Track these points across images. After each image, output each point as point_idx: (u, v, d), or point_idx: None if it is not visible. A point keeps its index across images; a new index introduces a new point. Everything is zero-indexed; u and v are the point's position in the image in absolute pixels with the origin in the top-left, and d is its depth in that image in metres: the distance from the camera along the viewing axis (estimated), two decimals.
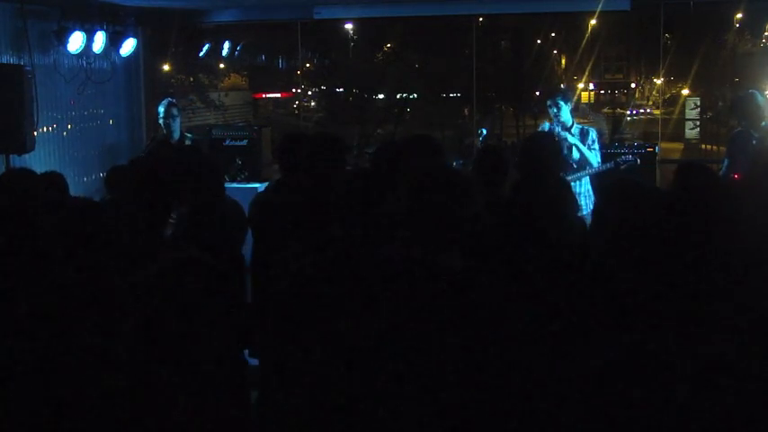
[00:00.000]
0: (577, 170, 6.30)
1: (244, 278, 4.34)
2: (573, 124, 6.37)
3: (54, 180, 4.33)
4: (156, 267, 2.39)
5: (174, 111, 7.02)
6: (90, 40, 7.49)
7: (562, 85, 25.46)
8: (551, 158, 4.32)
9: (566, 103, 6.39)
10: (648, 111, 33.64)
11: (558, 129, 6.36)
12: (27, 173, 4.13)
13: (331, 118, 25.38)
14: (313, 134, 4.69)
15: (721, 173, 6.14)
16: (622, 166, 6.43)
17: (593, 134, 6.38)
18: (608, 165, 6.39)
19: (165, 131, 6.95)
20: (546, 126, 6.52)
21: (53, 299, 2.48)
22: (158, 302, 2.33)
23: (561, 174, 5.05)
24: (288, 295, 2.53)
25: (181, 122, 7.12)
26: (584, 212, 5.62)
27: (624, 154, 6.70)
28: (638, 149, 7.00)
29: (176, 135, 6.95)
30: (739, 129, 6.24)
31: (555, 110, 6.34)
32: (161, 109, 7.01)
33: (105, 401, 2.25)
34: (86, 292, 2.52)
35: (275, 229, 3.98)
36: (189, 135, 7.08)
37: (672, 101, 28.68)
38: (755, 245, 2.75)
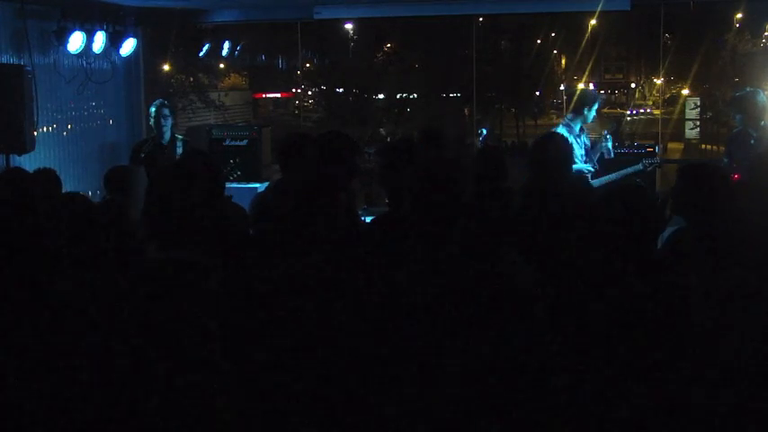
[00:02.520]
0: (605, 173, 6.28)
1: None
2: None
3: (47, 177, 4.32)
4: (143, 268, 2.40)
5: (166, 111, 6.95)
6: (90, 40, 7.48)
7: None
8: (564, 159, 4.28)
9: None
10: (648, 111, 33.67)
11: (575, 132, 6.27)
12: (21, 173, 4.12)
13: (331, 118, 25.39)
14: (322, 133, 4.67)
15: None
16: (648, 168, 6.49)
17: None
18: (637, 167, 6.42)
19: (155, 132, 6.91)
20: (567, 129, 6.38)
21: (52, 298, 2.48)
22: (145, 303, 2.33)
23: (574, 174, 5.03)
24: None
25: (173, 124, 7.07)
26: None
27: (631, 155, 6.71)
28: (637, 150, 7.01)
29: (167, 136, 6.89)
30: (739, 128, 6.20)
31: (594, 114, 6.30)
32: (152, 110, 6.99)
33: (97, 401, 2.25)
34: (84, 291, 2.52)
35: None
36: (179, 137, 7.04)
37: (672, 101, 28.70)
38: (758, 244, 2.75)
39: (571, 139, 6.12)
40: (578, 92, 6.77)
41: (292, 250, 2.59)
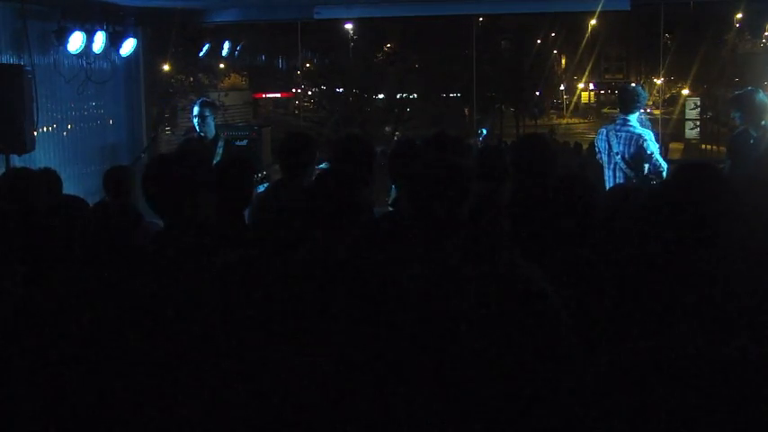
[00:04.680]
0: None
1: None
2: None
3: (49, 178, 4.31)
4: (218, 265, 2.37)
5: (207, 111, 7.02)
6: (90, 40, 7.49)
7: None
8: (545, 159, 4.25)
9: None
10: (648, 111, 33.71)
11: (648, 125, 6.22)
12: (28, 173, 4.12)
13: (331, 118, 25.40)
14: (341, 136, 4.65)
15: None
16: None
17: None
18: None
19: (198, 131, 6.97)
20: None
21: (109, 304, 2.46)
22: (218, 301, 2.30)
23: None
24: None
25: (215, 121, 7.13)
26: None
27: None
28: None
29: (210, 135, 6.96)
30: (740, 128, 6.20)
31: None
32: (195, 109, 7.03)
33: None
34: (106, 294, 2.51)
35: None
36: (221, 135, 7.11)
37: (672, 101, 28.71)
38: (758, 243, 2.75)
39: (648, 135, 6.04)
40: (631, 89, 6.48)
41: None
